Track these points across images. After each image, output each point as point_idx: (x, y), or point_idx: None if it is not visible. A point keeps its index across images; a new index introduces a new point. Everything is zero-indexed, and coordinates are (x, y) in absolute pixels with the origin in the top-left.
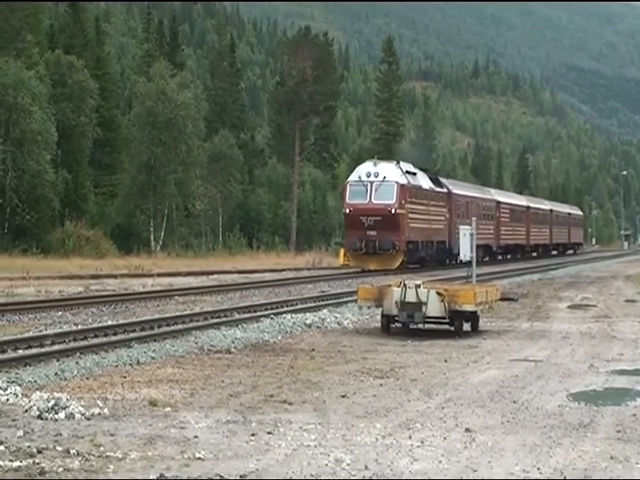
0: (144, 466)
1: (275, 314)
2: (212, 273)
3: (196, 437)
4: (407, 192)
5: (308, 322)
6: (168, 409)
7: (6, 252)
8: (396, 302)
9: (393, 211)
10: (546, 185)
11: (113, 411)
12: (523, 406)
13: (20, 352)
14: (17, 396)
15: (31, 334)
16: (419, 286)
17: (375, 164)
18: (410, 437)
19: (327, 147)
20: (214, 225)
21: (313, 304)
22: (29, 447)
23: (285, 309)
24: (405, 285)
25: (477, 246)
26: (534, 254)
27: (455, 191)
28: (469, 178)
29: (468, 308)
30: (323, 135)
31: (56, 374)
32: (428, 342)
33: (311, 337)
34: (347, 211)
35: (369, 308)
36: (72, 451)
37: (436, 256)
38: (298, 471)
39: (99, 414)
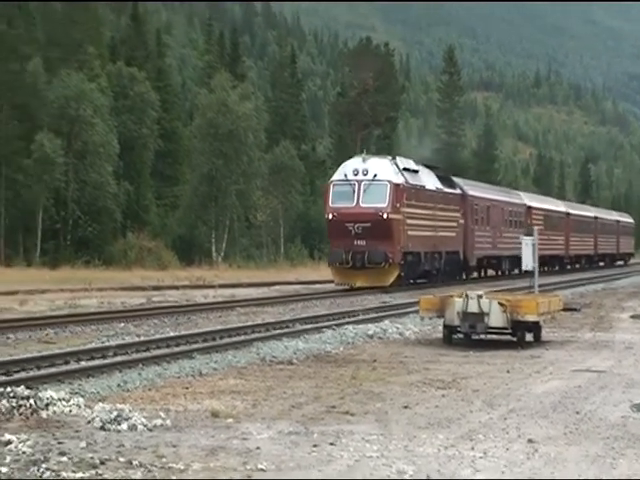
0: (206, 477)
1: (337, 325)
2: (274, 284)
3: (258, 448)
4: (404, 193)
5: (370, 333)
6: (230, 420)
7: (69, 264)
8: (458, 313)
9: (385, 216)
10: (609, 195)
11: (175, 422)
12: (586, 417)
13: (83, 363)
14: (80, 407)
15: (94, 345)
16: (481, 296)
17: (364, 159)
18: (472, 448)
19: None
20: (275, 236)
21: (375, 315)
22: (92, 458)
23: (347, 320)
24: (467, 296)
25: (503, 257)
26: (576, 266)
27: (472, 193)
28: (531, 188)
29: (530, 318)
30: (384, 146)
31: (119, 385)
32: (490, 353)
33: (373, 348)
34: (330, 216)
35: (431, 319)
36: (134, 462)
37: (446, 269)
38: None
39: (161, 425)
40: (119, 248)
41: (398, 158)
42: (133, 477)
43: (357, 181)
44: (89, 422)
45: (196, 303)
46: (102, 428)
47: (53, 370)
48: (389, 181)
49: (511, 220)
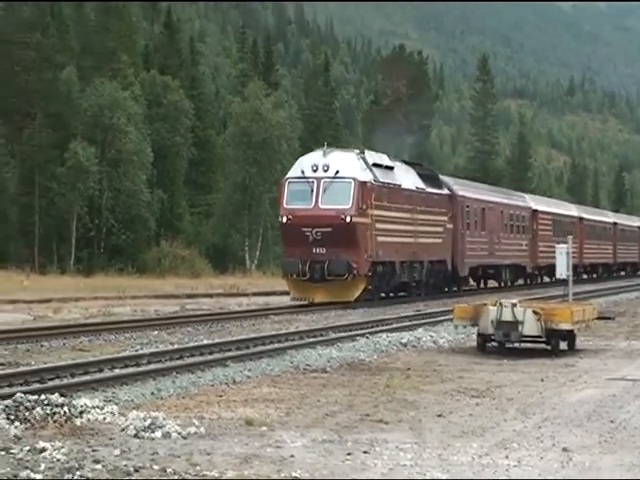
0: None
1: (371, 333)
2: None
3: (292, 456)
4: (372, 193)
5: (404, 341)
6: (264, 428)
7: (102, 271)
8: (492, 321)
9: (349, 219)
10: None
11: (209, 430)
12: (621, 426)
13: (117, 371)
14: (114, 415)
15: (127, 353)
16: (515, 305)
17: (325, 153)
18: (507, 457)
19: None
20: None
21: (408, 323)
22: (126, 466)
23: (380, 328)
24: (501, 304)
25: (502, 267)
26: (593, 276)
27: (462, 193)
28: (565, 196)
29: (565, 327)
30: (418, 154)
31: (152, 393)
32: (524, 361)
33: (407, 356)
34: (284, 219)
35: (465, 327)
36: (169, 470)
37: (429, 280)
38: None
39: (195, 433)
40: (153, 256)
41: (367, 152)
42: None
43: (316, 178)
44: (123, 430)
45: (230, 311)
46: (136, 436)
47: (87, 378)
48: (354, 178)
49: (512, 225)
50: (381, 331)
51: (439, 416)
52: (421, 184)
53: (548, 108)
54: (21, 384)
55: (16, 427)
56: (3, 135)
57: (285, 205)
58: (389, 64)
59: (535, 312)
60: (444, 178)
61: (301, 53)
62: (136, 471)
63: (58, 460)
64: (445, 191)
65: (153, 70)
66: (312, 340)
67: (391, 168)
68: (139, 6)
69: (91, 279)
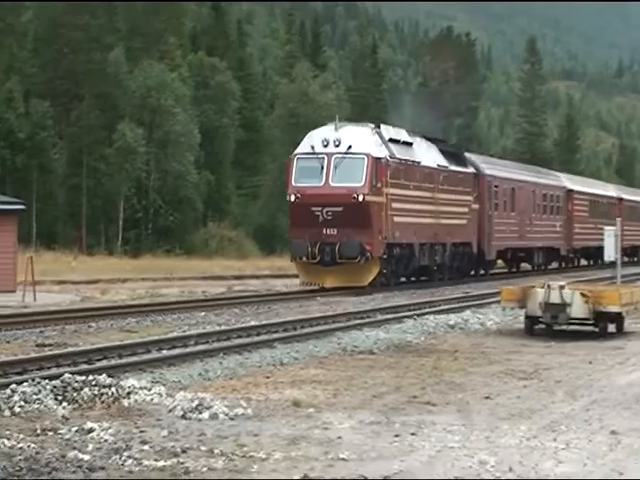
0: (288, 467)
1: (418, 315)
2: None
3: (339, 438)
4: (388, 170)
5: (451, 323)
6: (311, 410)
7: (150, 253)
8: (540, 303)
9: (361, 198)
10: None
11: (257, 411)
12: None
13: (164, 352)
14: (161, 396)
15: (175, 334)
16: (563, 287)
17: (337, 127)
18: (555, 439)
19: (470, 147)
20: None
21: (456, 305)
22: (173, 447)
23: (428, 310)
24: (549, 286)
25: (534, 249)
26: (634, 259)
27: (490, 172)
28: (613, 178)
29: (613, 309)
30: (466, 136)
31: (200, 374)
32: (572, 343)
33: (454, 338)
34: (292, 198)
35: (512, 309)
36: (216, 451)
37: (453, 264)
38: (442, 472)
39: (243, 414)
40: (200, 237)
41: (383, 127)
42: (214, 466)
43: (327, 154)
44: (170, 411)
45: (277, 292)
46: (183, 417)
47: (135, 359)
48: (367, 154)
49: (545, 205)
50: (428, 313)
51: (487, 398)
52: (443, 161)
53: (596, 90)
54: (69, 365)
55: (64, 408)
56: (51, 116)
57: (293, 183)
58: (437, 46)
59: (583, 294)
60: (470, 156)
61: (349, 35)
62: (183, 452)
63: (106, 441)
64: (470, 169)
65: (201, 52)
66: (359, 322)
67: (410, 144)
68: None
69: (138, 260)
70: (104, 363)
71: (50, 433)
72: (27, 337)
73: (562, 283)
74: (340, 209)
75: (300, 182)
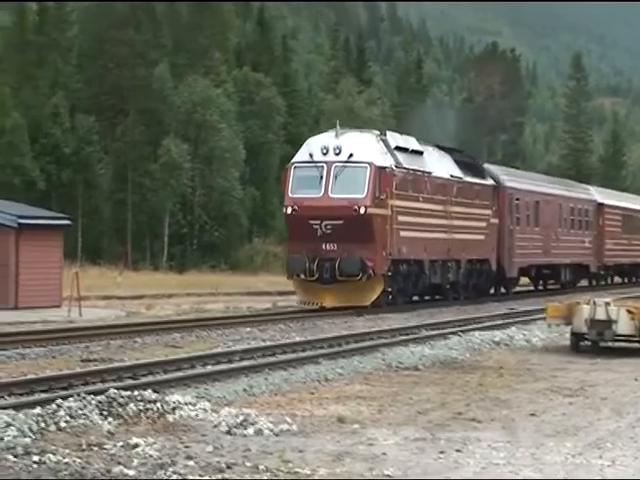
0: None
1: (463, 331)
2: None
3: (384, 454)
4: (393, 180)
5: (496, 339)
6: (356, 426)
7: (195, 268)
8: (585, 320)
9: (363, 210)
10: None
11: (301, 427)
12: None
13: (209, 368)
14: (206, 411)
15: (220, 350)
16: (609, 304)
17: (337, 134)
18: (600, 457)
19: (515, 163)
20: None
21: (501, 321)
22: (218, 462)
23: (473, 326)
24: (595, 303)
25: (560, 266)
26: None
27: (511, 184)
28: None
29: None
30: (511, 152)
31: (245, 390)
32: (618, 360)
33: (499, 355)
34: (289, 210)
35: (558, 326)
36: (261, 467)
37: (469, 282)
38: None
39: (287, 430)
40: (245, 253)
41: (390, 134)
42: None
43: (326, 163)
44: (215, 426)
45: (322, 308)
46: (228, 432)
47: (180, 374)
48: (370, 163)
49: (573, 220)
50: (473, 329)
51: (532, 415)
52: (458, 172)
53: None
54: (114, 380)
55: (109, 423)
56: (97, 132)
57: (290, 194)
58: (482, 61)
59: (629, 311)
60: (489, 167)
61: (394, 50)
62: (228, 468)
63: (151, 456)
64: (489, 181)
65: (246, 67)
66: (404, 338)
67: (419, 153)
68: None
69: (184, 276)
70: (149, 378)
71: (95, 448)
72: (73, 352)
73: (608, 300)
74: (340, 222)
75: (297, 193)
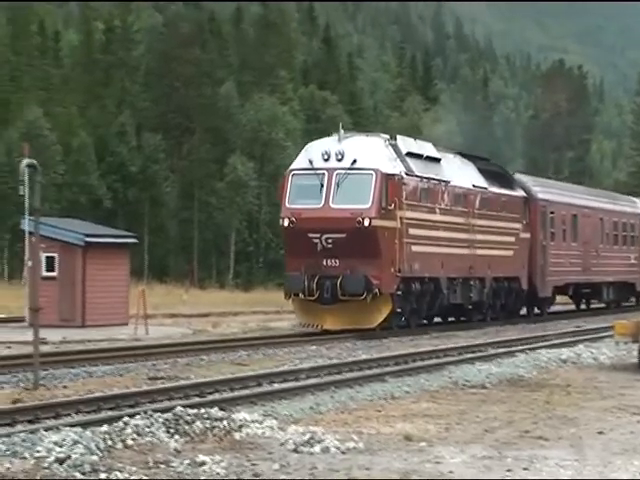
0: None
1: (530, 349)
2: None
3: (451, 472)
4: (404, 189)
5: (563, 357)
6: (423, 444)
7: (261, 286)
8: None
9: (367, 222)
10: None
11: (368, 445)
12: None
13: (276, 386)
14: (273, 429)
15: (286, 368)
16: None
17: (340, 138)
18: None
19: (582, 181)
20: None
21: (568, 339)
22: None
23: (540, 344)
24: None
25: (602, 285)
26: None
27: (543, 196)
28: None
29: None
30: (578, 169)
31: (311, 408)
32: None
33: (566, 372)
34: (285, 223)
35: (626, 344)
36: None
37: (496, 302)
38: None
39: (354, 448)
40: None
41: (401, 138)
42: None
43: (327, 170)
44: (282, 444)
45: (388, 326)
46: (295, 450)
47: (246, 392)
48: (376, 170)
49: (617, 234)
50: (540, 347)
51: (600, 433)
52: (482, 182)
53: None
54: (181, 398)
55: (176, 441)
56: (163, 150)
57: (287, 204)
58: (549, 78)
59: None
60: (520, 177)
61: (460, 68)
62: None
63: (217, 474)
64: (519, 192)
65: (312, 85)
66: (471, 356)
67: (436, 160)
68: (297, 22)
69: (250, 293)
70: (216, 396)
71: (162, 466)
72: (139, 370)
73: None
74: (342, 236)
75: (295, 203)
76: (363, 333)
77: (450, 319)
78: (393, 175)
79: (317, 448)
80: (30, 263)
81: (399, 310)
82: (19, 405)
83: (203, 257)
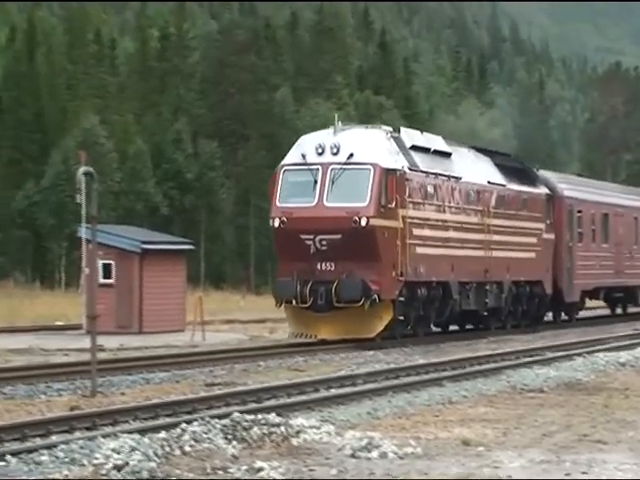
0: None
1: (588, 352)
2: None
3: (509, 476)
4: (407, 186)
5: (622, 360)
6: (481, 448)
7: None
8: None
9: (365, 222)
10: None
11: (426, 450)
12: None
13: (333, 391)
14: (330, 434)
15: (343, 373)
16: None
17: (336, 130)
18: None
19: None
20: None
21: (627, 342)
22: None
23: (598, 347)
24: None
25: (637, 289)
26: None
27: (570, 194)
28: None
29: None
30: (635, 171)
31: (368, 413)
32: None
33: (625, 376)
34: (276, 223)
35: None
36: None
37: (517, 308)
38: None
39: (412, 453)
40: None
41: (405, 131)
42: None
43: (322, 165)
44: (339, 450)
45: (445, 332)
46: (352, 456)
47: (303, 398)
48: (374, 164)
49: None
50: (598, 350)
51: None
52: (499, 178)
53: None
54: (238, 404)
55: (234, 447)
56: (219, 157)
57: (278, 203)
58: (605, 81)
59: None
60: (545, 174)
61: (516, 71)
62: None
63: (275, 479)
64: (541, 189)
65: (367, 90)
66: (528, 360)
67: (446, 154)
68: (352, 27)
69: None
70: (273, 402)
71: (220, 472)
72: (196, 376)
73: None
74: (337, 237)
75: (287, 202)
76: (417, 339)
77: (468, 327)
78: (394, 170)
79: (375, 453)
80: (87, 270)
81: (402, 318)
82: (77, 412)
83: (259, 263)
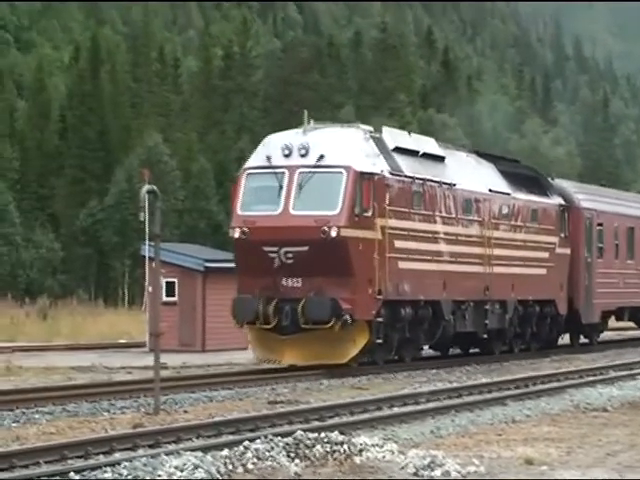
0: None
1: None
2: None
3: None
4: (387, 192)
5: None
6: (544, 467)
7: None
8: None
9: (335, 232)
10: None
11: (489, 469)
12: None
13: (395, 409)
14: (393, 453)
15: (406, 392)
16: None
17: (306, 130)
18: None
19: None
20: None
21: None
22: None
23: None
24: None
25: None
26: None
27: (587, 205)
28: None
29: None
30: None
31: (431, 432)
32: None
33: None
34: (237, 234)
35: None
36: None
37: (526, 330)
38: None
39: (475, 472)
40: None
41: (387, 130)
42: None
43: (288, 168)
44: (402, 468)
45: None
46: (415, 474)
47: (366, 416)
48: (347, 167)
49: None
50: None
51: None
52: (503, 186)
53: None
54: (301, 422)
55: (296, 465)
56: None
57: (239, 211)
58: None
59: None
60: (560, 183)
61: (579, 89)
62: None
63: None
64: (554, 199)
65: (431, 109)
66: (592, 379)
67: (438, 158)
68: (415, 45)
69: None
70: (336, 420)
71: None
72: (259, 394)
73: None
74: (305, 249)
75: (249, 210)
76: (485, 357)
77: (473, 350)
78: (371, 174)
79: (438, 472)
80: (151, 288)
81: (380, 341)
82: (140, 430)
83: None
